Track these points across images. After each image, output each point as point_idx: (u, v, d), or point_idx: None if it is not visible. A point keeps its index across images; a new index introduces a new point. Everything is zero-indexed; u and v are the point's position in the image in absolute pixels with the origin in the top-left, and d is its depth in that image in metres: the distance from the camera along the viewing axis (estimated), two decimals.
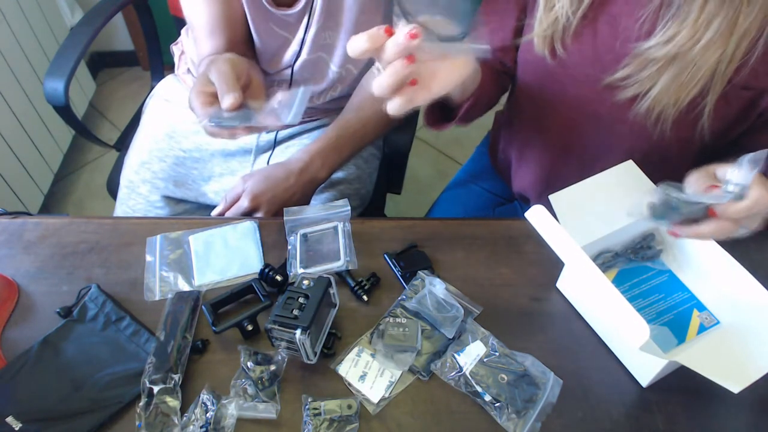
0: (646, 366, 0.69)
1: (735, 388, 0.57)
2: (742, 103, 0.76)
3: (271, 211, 0.90)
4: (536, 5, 0.80)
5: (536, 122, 0.95)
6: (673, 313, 0.75)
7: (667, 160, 0.86)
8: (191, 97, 0.78)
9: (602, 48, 0.78)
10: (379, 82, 0.56)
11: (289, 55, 1.01)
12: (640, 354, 0.67)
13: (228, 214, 0.91)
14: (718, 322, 0.74)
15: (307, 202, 0.96)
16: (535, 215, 0.68)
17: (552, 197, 0.73)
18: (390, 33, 0.54)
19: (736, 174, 0.62)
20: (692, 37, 0.69)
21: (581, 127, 0.88)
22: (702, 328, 0.74)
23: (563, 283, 0.78)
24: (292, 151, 1.03)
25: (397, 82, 0.55)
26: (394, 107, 0.57)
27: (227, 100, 0.73)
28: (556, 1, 0.77)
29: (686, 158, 0.86)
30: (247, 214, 0.90)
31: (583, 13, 0.77)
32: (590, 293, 0.63)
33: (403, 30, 0.53)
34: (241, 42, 0.98)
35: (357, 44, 0.55)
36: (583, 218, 0.73)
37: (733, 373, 0.60)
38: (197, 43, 0.98)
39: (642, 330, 0.58)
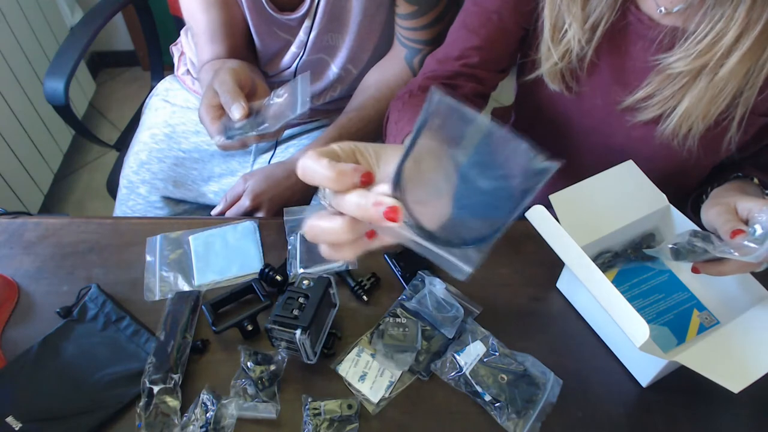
0: (646, 366, 0.69)
1: (735, 387, 0.57)
2: (758, 128, 0.75)
3: (272, 210, 0.90)
4: (540, 38, 0.76)
5: (546, 147, 0.94)
6: (673, 313, 0.75)
7: (684, 178, 0.84)
8: (201, 114, 0.78)
9: (620, 71, 0.75)
10: (320, 232, 0.41)
11: (288, 56, 1.02)
12: (640, 354, 0.67)
13: (229, 214, 0.91)
14: (718, 322, 0.74)
15: (307, 202, 0.96)
16: (536, 215, 0.68)
17: (552, 197, 0.72)
18: (368, 180, 0.41)
19: (764, 219, 0.59)
20: (719, 49, 0.65)
21: (593, 156, 0.87)
22: (702, 328, 0.74)
23: (563, 283, 0.78)
24: (292, 152, 1.04)
25: (348, 241, 0.41)
26: (338, 257, 0.43)
27: (235, 112, 0.74)
28: (567, 29, 0.73)
29: (700, 177, 0.86)
30: (248, 213, 0.90)
31: (597, 43, 0.73)
32: (590, 293, 0.63)
33: (379, 198, 0.38)
34: (241, 47, 0.98)
35: (314, 169, 0.40)
36: (583, 218, 0.73)
37: (733, 373, 0.60)
38: (198, 48, 0.98)
39: (642, 330, 0.58)
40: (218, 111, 0.77)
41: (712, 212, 0.67)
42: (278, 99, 0.77)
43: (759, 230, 0.60)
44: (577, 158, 0.90)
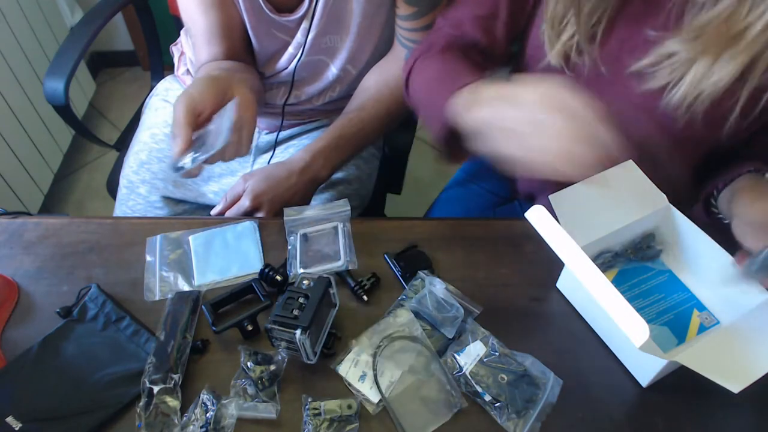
0: (645, 366, 0.69)
1: (735, 387, 0.57)
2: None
3: (273, 210, 0.90)
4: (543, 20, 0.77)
5: None
6: (673, 313, 0.75)
7: (682, 156, 0.83)
8: (171, 142, 0.78)
9: (625, 46, 0.76)
10: None
11: (285, 58, 1.02)
12: (639, 354, 0.66)
13: (228, 214, 0.91)
14: (718, 322, 0.74)
15: (308, 202, 0.96)
16: (535, 215, 0.68)
17: (552, 197, 0.72)
18: None
19: None
20: (727, 32, 0.65)
21: None
22: (702, 328, 0.74)
23: (563, 283, 0.78)
24: (292, 152, 1.03)
25: None
26: None
27: (174, 148, 0.74)
28: (566, 28, 0.75)
29: (697, 157, 0.85)
30: (248, 213, 0.90)
31: (599, 38, 0.75)
32: (590, 293, 0.63)
33: None
34: (239, 48, 0.98)
35: None
36: (584, 218, 0.73)
37: (733, 372, 0.60)
38: (196, 49, 0.98)
39: (642, 330, 0.58)
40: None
41: (759, 206, 0.66)
42: (214, 125, 0.77)
43: None
44: None
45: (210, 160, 0.75)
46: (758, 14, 0.63)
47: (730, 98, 0.71)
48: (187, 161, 0.74)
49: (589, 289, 0.63)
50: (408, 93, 0.89)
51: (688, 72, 0.70)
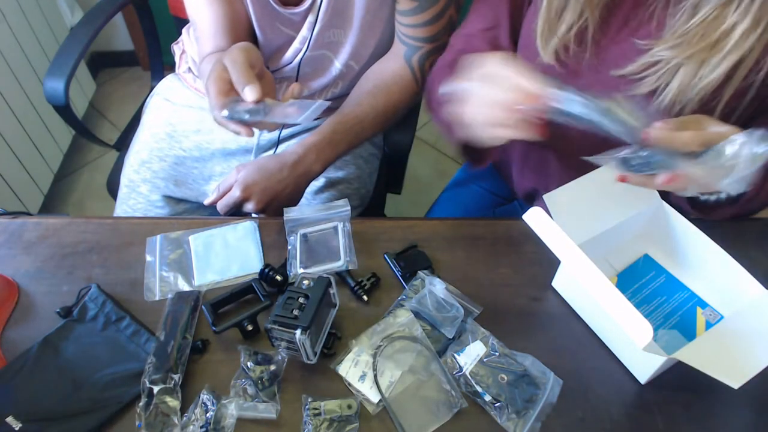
0: (644, 363, 0.69)
1: (735, 383, 0.57)
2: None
3: (262, 201, 0.90)
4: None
5: None
6: (678, 314, 0.75)
7: None
8: (208, 84, 0.77)
9: (611, 51, 0.76)
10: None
11: (290, 52, 1.02)
12: (638, 351, 0.66)
13: (219, 204, 0.91)
14: (722, 317, 0.74)
15: (300, 196, 0.95)
16: (533, 218, 0.68)
17: (546, 197, 0.72)
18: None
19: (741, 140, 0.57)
20: (707, 35, 0.67)
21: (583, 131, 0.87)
22: (708, 325, 0.74)
23: (559, 282, 0.78)
24: None
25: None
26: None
27: (249, 94, 0.73)
28: (558, 28, 0.76)
29: None
30: (239, 204, 0.90)
31: (589, 44, 0.76)
32: (592, 295, 0.63)
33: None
34: (243, 41, 0.98)
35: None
36: (578, 216, 0.73)
37: (733, 368, 0.60)
38: (200, 42, 0.99)
39: (645, 331, 0.58)
40: (226, 85, 0.76)
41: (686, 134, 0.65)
42: (289, 108, 0.77)
43: (728, 149, 0.58)
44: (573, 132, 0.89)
45: (265, 125, 0.77)
46: (742, 14, 0.65)
47: (713, 99, 0.72)
48: (242, 115, 0.75)
49: (590, 292, 0.63)
50: (432, 112, 0.93)
51: (675, 77, 0.71)
